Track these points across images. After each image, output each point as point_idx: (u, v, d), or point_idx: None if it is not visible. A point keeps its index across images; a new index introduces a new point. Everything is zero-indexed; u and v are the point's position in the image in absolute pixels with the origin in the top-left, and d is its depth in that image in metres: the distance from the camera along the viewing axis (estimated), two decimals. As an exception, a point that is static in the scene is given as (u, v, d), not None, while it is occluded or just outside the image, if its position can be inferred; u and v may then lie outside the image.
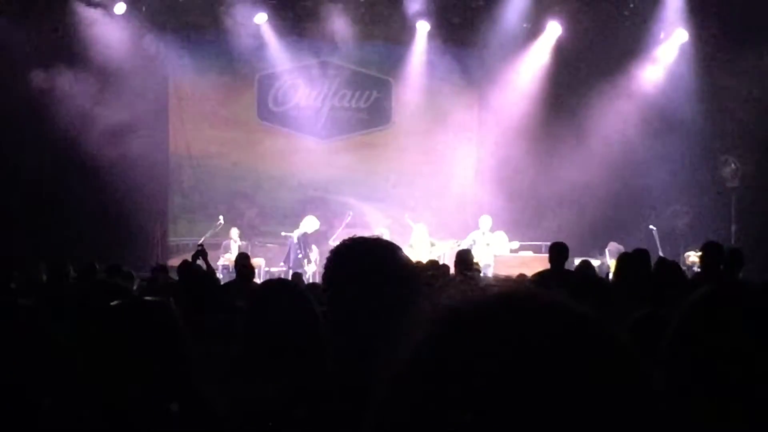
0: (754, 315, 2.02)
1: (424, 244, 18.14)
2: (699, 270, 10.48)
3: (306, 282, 14.36)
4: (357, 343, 2.61)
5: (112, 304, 3.29)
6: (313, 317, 3.35)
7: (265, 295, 3.60)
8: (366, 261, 2.70)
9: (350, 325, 2.64)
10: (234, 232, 18.91)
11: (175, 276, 12.08)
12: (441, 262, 13.54)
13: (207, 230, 18.84)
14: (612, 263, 17.57)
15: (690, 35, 19.91)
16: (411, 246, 17.75)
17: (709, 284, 2.19)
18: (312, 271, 17.47)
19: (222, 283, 12.02)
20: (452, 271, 11.56)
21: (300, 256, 17.68)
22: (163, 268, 13.37)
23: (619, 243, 17.77)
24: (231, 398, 3.11)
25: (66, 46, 18.72)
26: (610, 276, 16.08)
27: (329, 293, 2.73)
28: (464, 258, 11.51)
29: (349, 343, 2.63)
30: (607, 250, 18.21)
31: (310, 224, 18.15)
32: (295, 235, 18.02)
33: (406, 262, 2.81)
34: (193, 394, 3.15)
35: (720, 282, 2.18)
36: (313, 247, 18.06)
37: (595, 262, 16.81)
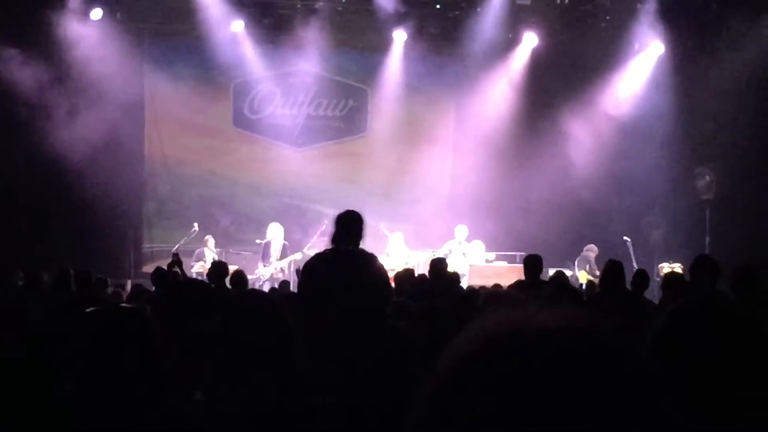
0: (726, 332, 2.03)
1: (400, 253, 18.15)
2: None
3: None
4: (326, 348, 2.61)
5: (87, 310, 3.30)
6: (285, 330, 3.34)
7: (238, 307, 3.59)
8: (338, 271, 2.71)
9: (321, 333, 2.64)
10: (209, 241, 18.84)
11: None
12: (416, 272, 13.51)
13: (181, 237, 18.78)
14: (581, 275, 17.68)
15: (665, 47, 20.03)
16: (387, 255, 17.76)
17: (684, 299, 2.20)
18: (269, 274, 17.57)
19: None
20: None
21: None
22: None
23: (595, 256, 17.90)
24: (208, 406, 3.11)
25: (41, 52, 18.62)
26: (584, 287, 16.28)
27: (302, 302, 2.73)
28: (438, 267, 11.52)
29: (319, 349, 2.63)
30: (576, 262, 18.31)
31: (272, 231, 18.24)
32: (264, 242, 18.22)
33: (380, 271, 2.81)
34: (166, 401, 3.15)
35: (694, 297, 2.19)
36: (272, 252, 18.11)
37: (569, 272, 16.94)
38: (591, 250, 18.24)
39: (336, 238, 7.56)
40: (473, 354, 1.06)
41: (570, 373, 1.00)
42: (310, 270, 4.78)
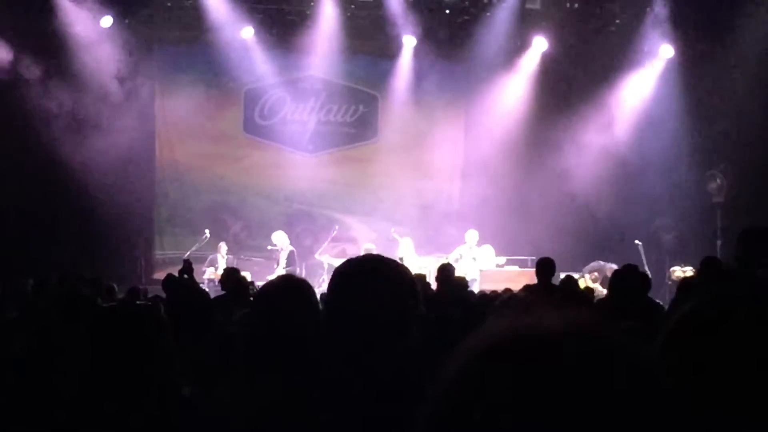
0: (738, 334, 2.02)
1: (410, 258, 18.14)
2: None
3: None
4: (355, 358, 2.60)
5: (103, 306, 3.32)
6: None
7: (278, 291, 3.55)
8: (372, 279, 2.70)
9: (351, 342, 2.63)
10: (222, 247, 18.85)
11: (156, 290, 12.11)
12: (427, 277, 13.49)
13: (193, 244, 18.79)
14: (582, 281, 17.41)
15: (675, 50, 19.99)
16: (400, 259, 17.76)
17: (694, 301, 2.19)
18: None
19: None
20: (434, 285, 11.57)
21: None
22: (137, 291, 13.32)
23: (604, 259, 17.68)
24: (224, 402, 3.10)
25: (51, 58, 18.68)
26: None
27: (332, 309, 2.73)
28: (446, 273, 11.52)
29: (348, 358, 2.63)
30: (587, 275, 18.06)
31: (278, 240, 18.22)
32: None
33: (409, 277, 2.81)
34: (174, 395, 3.15)
35: (705, 299, 2.18)
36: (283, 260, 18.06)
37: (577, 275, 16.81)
38: (610, 270, 17.98)
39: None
40: (480, 358, 1.07)
41: (577, 377, 1.00)
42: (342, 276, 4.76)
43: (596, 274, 17.50)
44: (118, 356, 3.11)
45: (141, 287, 14.54)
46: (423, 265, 18.09)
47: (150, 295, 13.42)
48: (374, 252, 18.09)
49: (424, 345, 3.09)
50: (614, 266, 16.98)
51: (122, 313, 3.31)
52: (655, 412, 1.02)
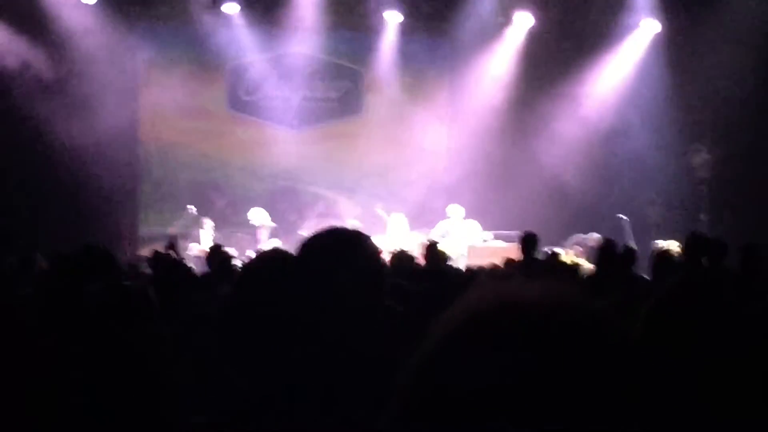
0: (720, 310, 2.02)
1: (402, 234, 18.13)
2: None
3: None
4: (320, 335, 2.59)
5: (92, 287, 3.29)
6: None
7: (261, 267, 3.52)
8: (334, 252, 2.68)
9: (315, 316, 2.61)
10: (207, 223, 18.83)
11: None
12: (413, 253, 13.51)
13: (177, 220, 18.79)
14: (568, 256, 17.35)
15: (661, 26, 20.00)
16: (389, 236, 17.77)
17: (678, 277, 2.19)
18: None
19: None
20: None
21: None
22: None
23: (588, 233, 17.67)
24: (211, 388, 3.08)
25: (33, 36, 18.57)
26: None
27: (298, 282, 2.70)
28: (432, 248, 11.62)
29: (313, 335, 2.61)
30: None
31: (257, 218, 18.22)
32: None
33: (374, 252, 2.78)
34: (167, 377, 3.14)
35: (688, 275, 2.18)
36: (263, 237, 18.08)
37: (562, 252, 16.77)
38: (592, 240, 17.93)
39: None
40: (458, 328, 1.06)
41: (554, 346, 1.00)
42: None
43: (579, 248, 17.42)
44: (109, 339, 3.09)
45: (128, 262, 14.50)
46: (412, 240, 18.10)
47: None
48: (357, 228, 18.11)
49: (410, 318, 3.08)
50: (596, 235, 17.03)
51: (112, 293, 3.29)
52: (629, 381, 1.02)
